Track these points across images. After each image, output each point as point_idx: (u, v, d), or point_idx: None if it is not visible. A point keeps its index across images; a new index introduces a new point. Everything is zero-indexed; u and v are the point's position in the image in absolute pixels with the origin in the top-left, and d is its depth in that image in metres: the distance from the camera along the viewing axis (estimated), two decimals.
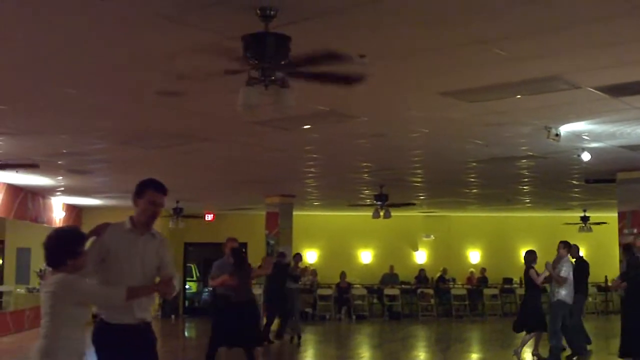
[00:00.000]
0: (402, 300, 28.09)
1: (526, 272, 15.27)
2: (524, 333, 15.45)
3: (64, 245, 5.68)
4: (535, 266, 15.27)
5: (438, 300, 28.39)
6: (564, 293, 14.85)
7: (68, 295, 5.53)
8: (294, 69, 7.05)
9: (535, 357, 15.32)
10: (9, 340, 19.68)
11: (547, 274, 14.94)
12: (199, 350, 18.79)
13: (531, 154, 14.79)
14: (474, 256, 31.38)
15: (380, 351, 19.67)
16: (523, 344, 15.32)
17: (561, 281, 14.73)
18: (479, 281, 29.67)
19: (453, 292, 28.23)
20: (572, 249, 16.38)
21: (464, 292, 28.28)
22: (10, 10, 7.00)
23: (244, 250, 29.05)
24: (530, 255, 15.48)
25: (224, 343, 13.26)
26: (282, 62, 6.90)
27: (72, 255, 5.64)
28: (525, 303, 15.94)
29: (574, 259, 16.53)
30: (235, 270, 12.98)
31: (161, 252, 6.37)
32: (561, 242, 15.41)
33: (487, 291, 28.44)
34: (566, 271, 14.90)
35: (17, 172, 16.06)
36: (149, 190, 6.29)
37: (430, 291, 28.40)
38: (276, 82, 7.06)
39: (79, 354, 5.68)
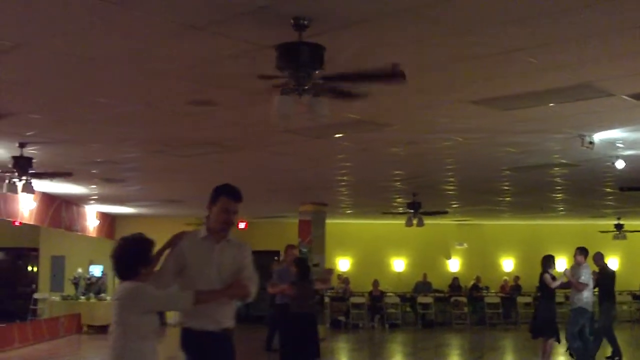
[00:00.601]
0: (435, 309, 28.01)
1: (541, 276, 15.18)
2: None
3: (138, 255, 5.58)
4: (554, 271, 15.20)
5: (471, 308, 28.28)
6: (584, 300, 14.77)
7: (136, 303, 5.42)
8: (329, 79, 7.06)
9: None
10: (44, 348, 19.84)
11: (564, 279, 14.90)
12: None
13: (565, 161, 14.70)
14: (508, 264, 31.25)
15: (414, 359, 19.65)
16: (548, 355, 15.20)
17: (581, 287, 14.65)
18: (512, 289, 29.53)
19: (486, 300, 28.11)
20: (596, 257, 16.32)
21: (497, 300, 28.14)
22: (43, 21, 7.06)
23: (277, 258, 29.10)
24: (547, 260, 15.38)
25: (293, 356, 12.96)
26: (316, 72, 6.92)
27: (145, 263, 5.59)
28: (539, 308, 15.85)
29: (598, 267, 16.45)
30: (297, 281, 12.74)
31: (239, 258, 6.21)
32: (577, 248, 15.33)
33: (520, 299, 28.27)
34: (586, 277, 14.83)
35: (51, 180, 16.18)
36: (222, 197, 6.18)
37: (464, 299, 28.31)
38: (310, 91, 7.09)
39: None
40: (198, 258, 6.08)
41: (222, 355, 6.22)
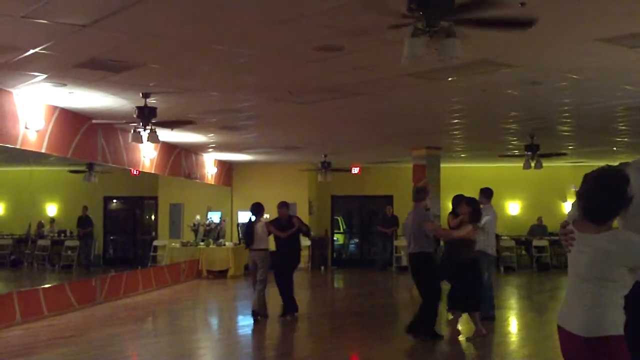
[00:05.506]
0: (551, 252, 27.79)
1: None
2: None
3: (621, 193, 4.44)
4: None
5: None
6: None
7: (631, 255, 4.33)
8: (459, 17, 7.07)
9: None
10: (167, 292, 20.44)
11: None
12: (347, 300, 19.16)
13: None
14: None
15: (529, 302, 19.62)
16: None
17: None
18: None
19: None
20: None
21: None
22: None
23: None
24: None
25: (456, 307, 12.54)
26: (447, 11, 6.90)
27: (626, 204, 4.47)
28: None
29: None
30: (474, 222, 12.35)
31: None
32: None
33: None
34: None
35: (172, 129, 16.47)
36: None
37: None
38: (441, 32, 7.11)
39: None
40: None
41: None
